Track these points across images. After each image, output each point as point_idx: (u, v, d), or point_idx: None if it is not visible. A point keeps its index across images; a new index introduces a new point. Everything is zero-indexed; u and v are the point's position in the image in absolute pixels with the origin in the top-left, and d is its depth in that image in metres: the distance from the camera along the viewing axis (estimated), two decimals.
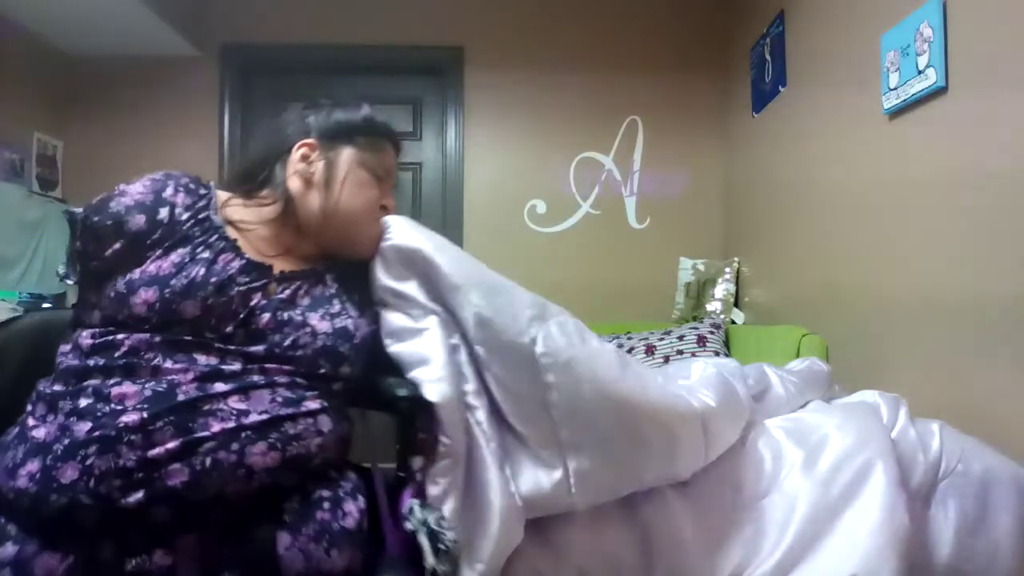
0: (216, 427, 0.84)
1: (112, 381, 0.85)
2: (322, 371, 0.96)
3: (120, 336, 0.88)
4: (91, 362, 0.87)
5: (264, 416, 0.87)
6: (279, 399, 0.90)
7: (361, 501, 0.95)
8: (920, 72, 1.58)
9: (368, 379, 1.06)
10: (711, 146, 3.27)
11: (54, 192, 3.12)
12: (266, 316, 0.95)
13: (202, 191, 1.03)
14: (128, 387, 0.85)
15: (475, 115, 3.27)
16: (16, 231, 2.85)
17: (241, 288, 0.95)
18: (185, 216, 0.97)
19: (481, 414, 1.06)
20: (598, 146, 3.27)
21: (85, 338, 0.90)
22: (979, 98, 1.44)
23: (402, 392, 1.02)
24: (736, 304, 2.90)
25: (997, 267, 1.38)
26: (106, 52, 3.17)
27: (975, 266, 1.44)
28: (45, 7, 2.74)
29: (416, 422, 1.01)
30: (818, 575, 1.05)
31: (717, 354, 2.38)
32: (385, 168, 1.15)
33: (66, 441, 0.81)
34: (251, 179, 1.09)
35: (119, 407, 0.83)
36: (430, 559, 0.90)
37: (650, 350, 2.50)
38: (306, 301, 1.00)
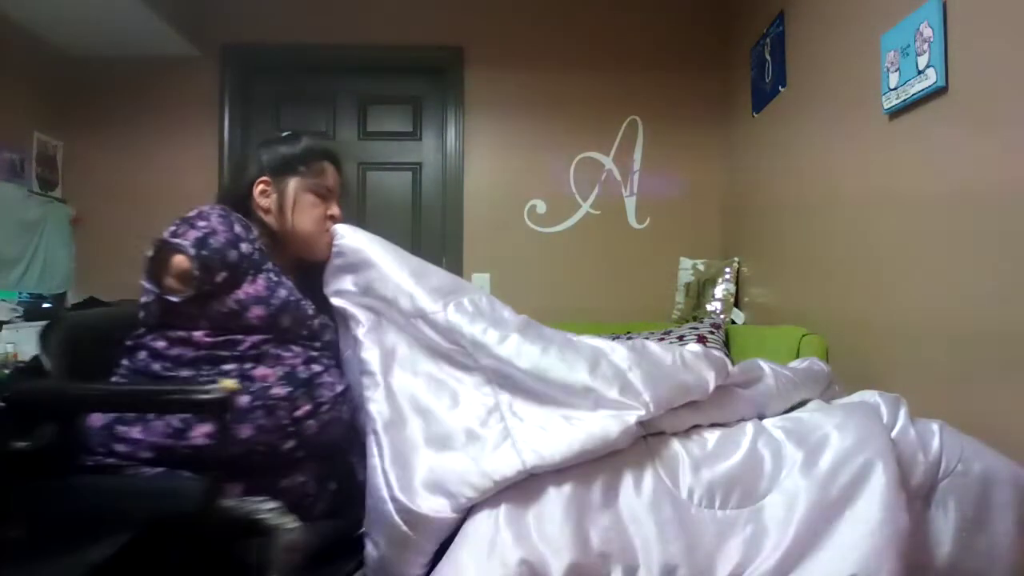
0: (328, 395, 1.26)
1: (248, 366, 1.20)
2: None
3: (238, 336, 1.21)
4: (223, 352, 1.19)
5: (341, 387, 1.30)
6: (340, 375, 1.33)
7: None
8: (920, 72, 1.58)
9: None
10: (711, 146, 3.27)
11: (54, 192, 3.12)
12: (318, 321, 1.33)
13: (245, 221, 1.31)
14: (264, 370, 1.21)
15: (475, 115, 3.27)
16: (16, 231, 2.85)
17: (302, 302, 1.31)
18: (252, 248, 1.27)
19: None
20: (598, 146, 3.27)
21: (201, 336, 1.19)
22: (979, 98, 1.44)
23: None
24: (736, 304, 2.90)
25: (997, 266, 1.38)
26: (106, 52, 3.17)
27: (975, 265, 1.44)
28: (45, 7, 2.74)
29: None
30: (818, 575, 1.05)
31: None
32: (327, 187, 1.42)
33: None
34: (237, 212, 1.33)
35: (266, 384, 1.19)
36: None
37: None
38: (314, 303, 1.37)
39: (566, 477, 1.11)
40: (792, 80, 2.44)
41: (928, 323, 1.61)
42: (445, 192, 3.27)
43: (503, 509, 1.08)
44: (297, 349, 1.25)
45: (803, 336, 2.10)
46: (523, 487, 1.10)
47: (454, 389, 1.24)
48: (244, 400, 1.14)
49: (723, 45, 3.21)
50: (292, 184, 1.37)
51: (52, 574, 0.94)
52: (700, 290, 3.02)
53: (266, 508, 1.04)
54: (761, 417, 1.33)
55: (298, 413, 1.19)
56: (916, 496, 1.14)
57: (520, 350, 1.22)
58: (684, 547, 1.08)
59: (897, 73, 1.68)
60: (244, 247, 1.24)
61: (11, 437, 1.01)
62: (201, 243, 1.19)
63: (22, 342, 2.19)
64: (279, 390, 1.19)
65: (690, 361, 1.28)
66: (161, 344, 1.20)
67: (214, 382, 1.01)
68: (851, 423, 1.19)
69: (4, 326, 2.23)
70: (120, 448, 1.13)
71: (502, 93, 3.26)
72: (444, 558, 1.08)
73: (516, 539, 1.05)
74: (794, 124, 2.43)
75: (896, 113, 1.72)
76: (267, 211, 1.36)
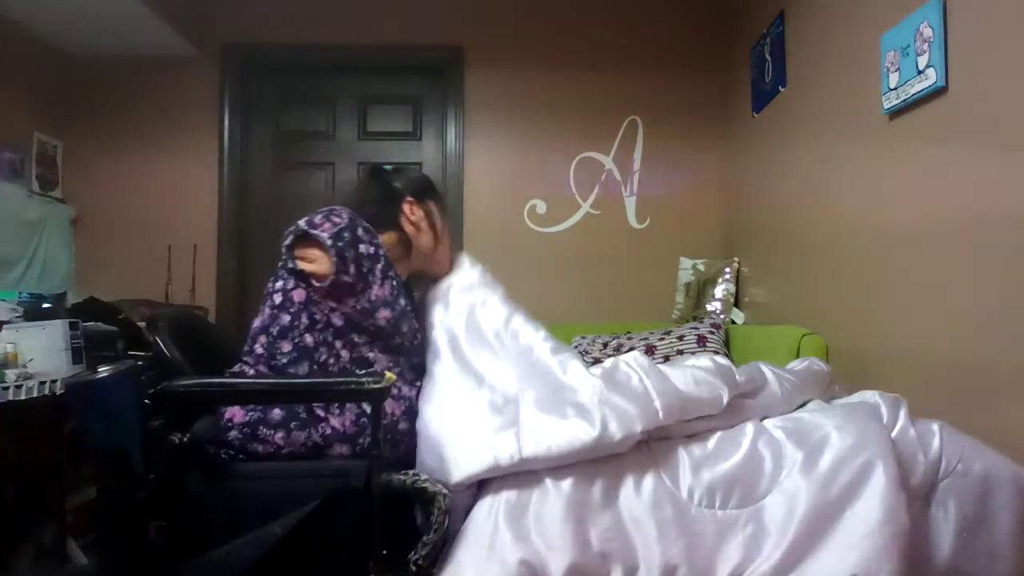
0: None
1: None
2: None
3: (370, 355, 1.31)
4: (371, 355, 1.31)
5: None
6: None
7: None
8: (920, 72, 1.58)
9: None
10: (711, 146, 3.27)
11: (54, 192, 3.12)
12: (420, 334, 1.42)
13: (373, 230, 1.35)
14: (391, 404, 1.28)
15: (475, 115, 3.27)
16: (16, 231, 2.85)
17: (413, 311, 1.38)
18: (378, 253, 1.32)
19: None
20: (598, 146, 3.27)
21: (347, 348, 1.29)
22: (979, 98, 1.44)
23: None
24: (736, 304, 2.90)
25: (997, 266, 1.38)
26: (106, 52, 3.17)
27: (975, 265, 1.44)
28: (45, 7, 2.74)
29: None
30: (818, 575, 1.05)
31: (717, 354, 2.38)
32: (443, 217, 1.58)
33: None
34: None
35: (394, 419, 1.29)
36: None
37: (650, 350, 2.50)
38: None
39: (566, 477, 1.11)
40: (792, 80, 2.44)
41: (928, 323, 1.61)
42: (445, 192, 3.27)
43: (503, 509, 1.08)
44: (413, 383, 1.35)
45: (803, 336, 2.10)
46: (523, 486, 1.11)
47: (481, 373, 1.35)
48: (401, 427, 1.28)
49: (723, 45, 3.21)
50: (433, 207, 1.54)
51: (238, 552, 1.06)
52: (700, 290, 3.01)
53: (423, 478, 1.13)
54: (762, 417, 1.33)
55: (402, 427, 1.31)
56: (916, 496, 1.14)
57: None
58: (684, 547, 1.09)
59: (897, 73, 1.68)
60: (366, 248, 1.30)
61: (168, 430, 1.07)
62: (338, 235, 1.25)
63: (22, 342, 2.18)
64: (404, 425, 1.29)
65: (701, 377, 1.28)
66: (308, 339, 1.27)
67: (374, 375, 1.11)
68: (851, 423, 1.19)
69: (4, 326, 2.23)
70: (258, 448, 1.18)
71: (502, 93, 3.26)
72: (444, 558, 1.08)
73: (516, 539, 1.05)
74: (794, 124, 2.43)
75: (896, 113, 1.72)
76: (415, 226, 1.49)
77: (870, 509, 1.07)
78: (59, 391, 2.05)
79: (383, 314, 1.29)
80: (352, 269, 1.25)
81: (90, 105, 3.24)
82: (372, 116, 3.38)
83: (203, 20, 3.22)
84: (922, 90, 1.58)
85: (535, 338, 1.39)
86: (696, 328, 2.58)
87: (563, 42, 3.27)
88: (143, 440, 1.08)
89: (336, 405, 1.23)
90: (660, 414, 1.17)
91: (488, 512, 1.09)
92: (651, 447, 1.18)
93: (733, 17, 3.12)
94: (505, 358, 1.36)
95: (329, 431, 1.21)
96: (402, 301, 1.34)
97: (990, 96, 1.40)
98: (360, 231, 1.30)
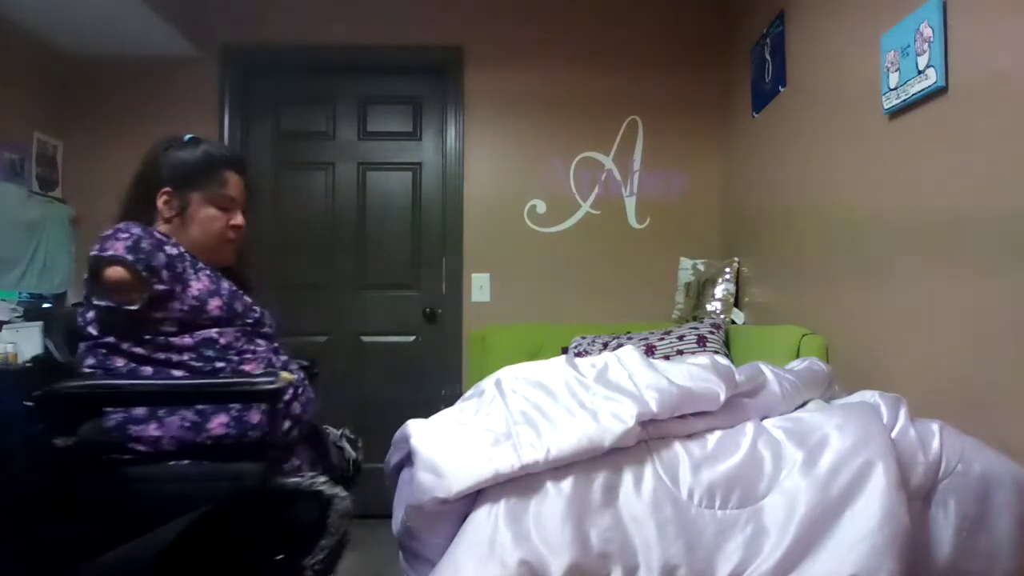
0: (298, 379, 1.37)
1: (235, 362, 1.31)
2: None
3: (214, 334, 1.30)
4: (207, 352, 1.28)
5: (302, 373, 1.42)
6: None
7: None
8: (920, 72, 1.58)
9: None
10: (711, 146, 3.27)
11: (54, 192, 3.12)
12: (260, 309, 1.43)
13: (161, 232, 1.38)
14: (250, 366, 1.32)
15: (475, 115, 3.27)
16: (16, 231, 2.85)
17: (239, 291, 1.40)
18: (180, 251, 1.34)
19: None
20: (598, 146, 3.27)
21: (183, 339, 1.28)
22: (979, 98, 1.44)
23: None
24: (736, 304, 2.90)
25: (997, 266, 1.38)
26: (106, 52, 3.17)
27: (975, 265, 1.44)
28: (45, 7, 2.74)
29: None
30: (818, 575, 1.05)
31: (717, 354, 2.38)
32: (229, 197, 1.45)
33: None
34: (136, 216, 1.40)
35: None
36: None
37: (650, 350, 2.50)
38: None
39: (566, 477, 1.11)
40: (792, 80, 2.44)
41: (928, 323, 1.61)
42: (445, 192, 3.27)
43: (503, 509, 1.08)
44: (262, 342, 1.37)
45: (803, 336, 2.10)
46: (523, 487, 1.11)
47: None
48: None
49: (723, 45, 3.21)
50: (195, 198, 1.42)
51: (132, 554, 1.02)
52: (700, 290, 3.01)
53: (321, 480, 1.14)
54: (762, 417, 1.33)
55: (287, 397, 1.28)
56: (916, 496, 1.14)
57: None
58: (684, 547, 1.08)
59: (897, 73, 1.68)
60: (170, 249, 1.30)
61: (51, 435, 1.05)
62: (133, 249, 1.23)
63: (22, 342, 2.19)
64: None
65: (697, 373, 1.28)
66: (139, 350, 1.26)
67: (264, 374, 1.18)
68: (851, 423, 1.19)
69: (4, 326, 2.23)
70: (140, 447, 1.18)
71: (502, 93, 3.26)
72: (443, 558, 1.08)
73: (516, 539, 1.05)
74: (794, 124, 2.43)
75: (896, 113, 1.72)
76: (168, 220, 1.40)
77: (870, 509, 1.07)
78: None
79: (214, 304, 1.31)
80: (165, 275, 1.25)
81: (90, 105, 3.24)
82: (372, 116, 3.38)
83: (203, 20, 3.22)
84: (922, 90, 1.58)
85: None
86: (696, 328, 2.58)
87: (563, 42, 3.27)
88: (27, 444, 1.06)
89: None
90: (653, 406, 1.17)
91: (488, 513, 1.09)
92: (651, 447, 1.18)
93: (733, 17, 3.12)
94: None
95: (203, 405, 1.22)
96: (225, 284, 1.36)
97: (990, 96, 1.40)
98: (155, 237, 1.29)
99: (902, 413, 1.27)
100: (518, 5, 3.28)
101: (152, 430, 1.19)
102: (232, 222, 1.46)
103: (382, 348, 3.26)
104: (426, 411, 1.37)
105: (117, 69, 3.24)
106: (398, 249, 3.26)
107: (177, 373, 1.25)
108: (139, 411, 1.19)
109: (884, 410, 1.28)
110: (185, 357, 1.27)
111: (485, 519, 1.08)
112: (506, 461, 1.11)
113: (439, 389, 3.08)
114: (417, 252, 3.28)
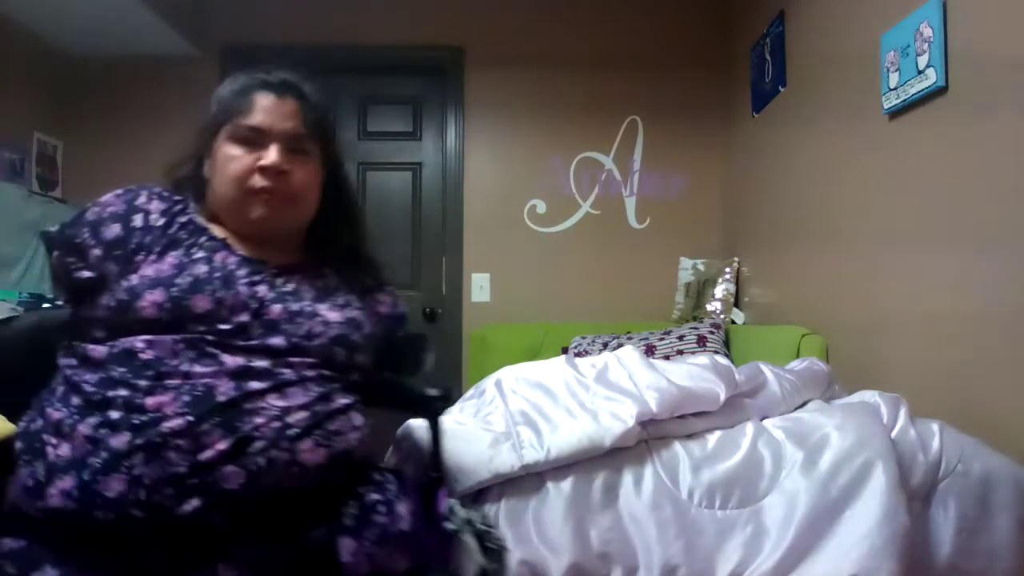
0: (263, 424, 0.83)
1: (142, 390, 0.82)
2: (339, 360, 0.95)
3: (139, 344, 0.85)
4: (114, 373, 0.84)
5: (305, 413, 0.87)
6: (312, 394, 0.89)
7: (408, 502, 0.95)
8: (920, 72, 1.58)
9: (382, 377, 1.09)
10: (711, 146, 3.27)
11: (54, 192, 3.12)
12: (278, 307, 0.94)
13: (176, 197, 1.04)
14: (163, 395, 0.82)
15: (475, 115, 3.27)
16: (16, 231, 2.84)
17: (244, 280, 0.95)
18: (162, 221, 0.97)
19: None
20: (598, 146, 3.27)
21: (97, 350, 0.86)
22: (979, 98, 1.44)
23: (433, 392, 1.10)
24: (736, 304, 2.90)
25: (997, 266, 1.38)
26: (106, 52, 3.17)
27: (975, 265, 1.44)
28: (45, 7, 2.74)
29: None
30: (818, 575, 1.05)
31: (717, 354, 2.38)
32: (251, 127, 1.02)
33: (104, 454, 0.78)
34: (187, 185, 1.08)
35: (157, 415, 0.80)
36: (479, 558, 0.93)
37: (650, 350, 2.50)
38: (311, 293, 1.01)
39: (566, 477, 1.11)
40: (792, 80, 2.44)
41: (928, 323, 1.61)
42: (445, 192, 3.27)
43: (503, 509, 1.08)
44: (229, 358, 0.87)
45: (803, 336, 2.10)
46: (523, 487, 1.11)
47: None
48: (116, 441, 0.79)
49: (723, 45, 3.21)
50: (219, 138, 1.05)
51: None
52: (700, 290, 3.01)
53: None
54: (762, 417, 1.33)
55: (206, 455, 0.79)
56: (916, 496, 1.14)
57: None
58: (684, 547, 1.09)
59: (897, 73, 1.68)
60: (137, 219, 0.96)
61: None
62: (73, 223, 0.95)
63: None
64: (173, 422, 0.80)
65: (697, 373, 1.28)
66: (69, 361, 0.89)
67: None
68: (851, 423, 1.19)
69: None
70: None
71: (502, 93, 3.26)
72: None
73: (516, 539, 1.05)
74: (794, 124, 2.43)
75: (896, 113, 1.72)
76: (209, 182, 1.05)
77: (870, 509, 1.07)
78: None
79: (149, 299, 0.88)
80: (95, 256, 0.93)
81: (90, 105, 3.23)
82: (372, 116, 3.37)
83: (203, 20, 3.22)
84: (922, 90, 1.58)
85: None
86: (696, 328, 2.58)
87: (563, 42, 3.26)
88: None
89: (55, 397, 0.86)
90: (653, 406, 1.17)
91: (488, 512, 1.09)
92: (651, 447, 1.18)
93: (733, 17, 3.12)
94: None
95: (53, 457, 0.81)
96: (200, 269, 0.93)
97: (990, 96, 1.40)
98: (132, 204, 0.98)
99: (902, 413, 1.27)
100: (518, 5, 3.28)
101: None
102: (261, 162, 1.00)
103: None
104: None
105: (117, 69, 3.23)
106: (398, 249, 3.25)
107: (75, 401, 0.83)
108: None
109: (884, 410, 1.28)
110: (96, 377, 0.84)
111: None
112: (506, 461, 1.11)
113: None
114: (417, 252, 3.28)
